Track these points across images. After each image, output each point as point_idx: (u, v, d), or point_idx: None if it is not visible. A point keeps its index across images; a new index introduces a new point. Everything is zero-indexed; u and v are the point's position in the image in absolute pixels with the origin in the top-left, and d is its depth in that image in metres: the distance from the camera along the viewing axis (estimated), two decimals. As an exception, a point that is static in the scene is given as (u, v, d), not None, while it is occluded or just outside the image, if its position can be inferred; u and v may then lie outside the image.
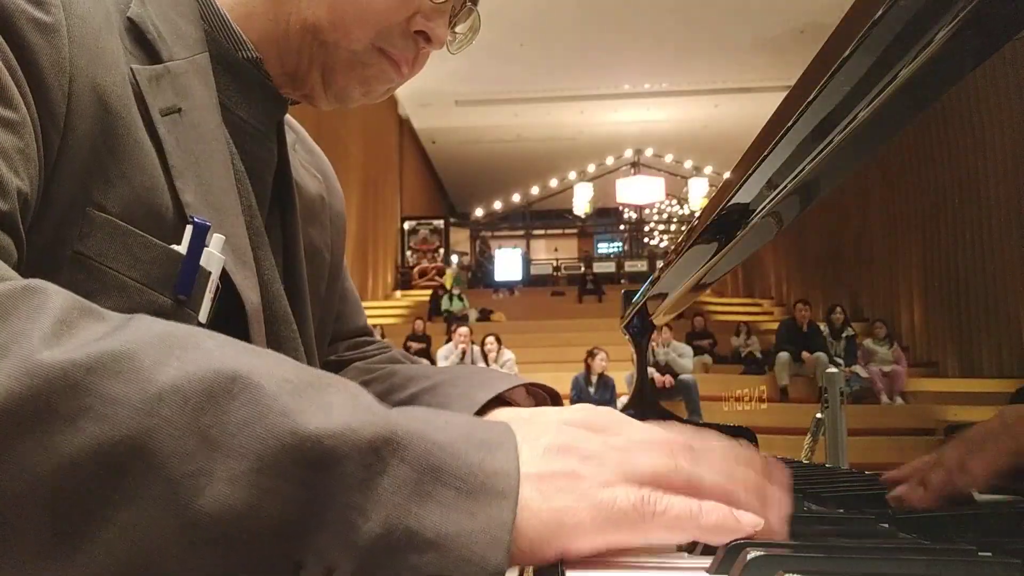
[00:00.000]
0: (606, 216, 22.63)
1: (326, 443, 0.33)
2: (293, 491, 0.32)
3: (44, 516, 0.31)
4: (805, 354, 1.04)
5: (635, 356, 1.90)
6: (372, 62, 0.69)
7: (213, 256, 0.58)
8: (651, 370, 1.87)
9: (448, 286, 14.42)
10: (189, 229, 0.57)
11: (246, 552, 0.32)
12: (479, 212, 20.79)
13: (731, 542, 0.39)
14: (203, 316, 0.57)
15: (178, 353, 0.34)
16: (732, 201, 0.99)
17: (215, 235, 0.58)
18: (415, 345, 10.28)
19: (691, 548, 0.44)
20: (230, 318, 0.60)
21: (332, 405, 0.34)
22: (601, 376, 7.57)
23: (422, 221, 18.04)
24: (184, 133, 0.59)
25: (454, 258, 18.60)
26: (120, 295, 0.53)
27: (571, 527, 0.37)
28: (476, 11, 0.74)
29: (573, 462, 0.39)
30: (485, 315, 14.05)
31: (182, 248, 0.56)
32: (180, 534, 0.31)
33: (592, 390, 7.48)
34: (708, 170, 17.92)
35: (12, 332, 0.33)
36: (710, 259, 1.22)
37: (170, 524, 0.31)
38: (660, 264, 1.54)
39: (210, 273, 0.58)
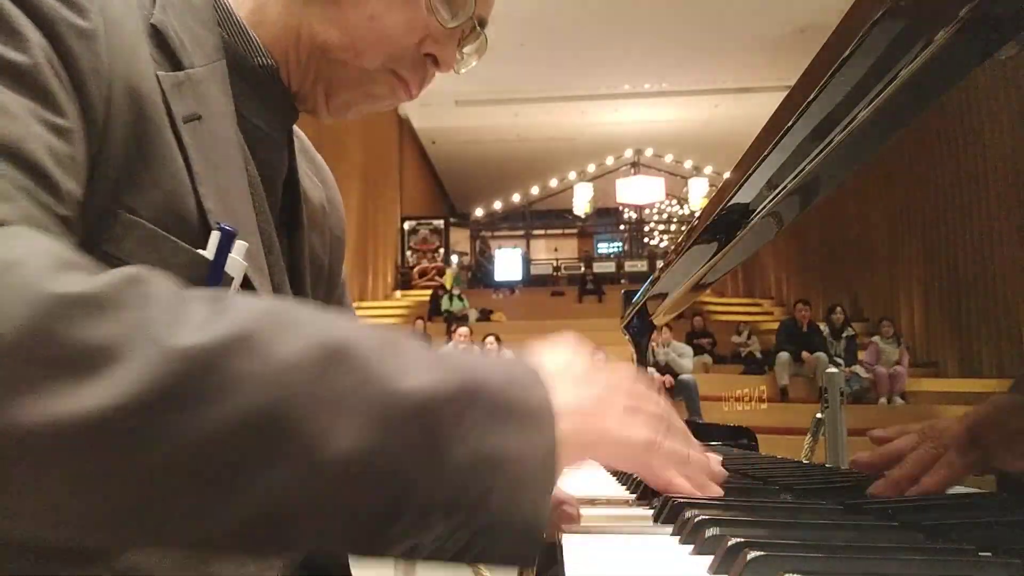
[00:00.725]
0: (606, 216, 22.61)
1: (419, 398, 0.40)
2: (399, 439, 0.39)
3: (199, 482, 0.36)
4: (805, 354, 1.04)
5: (635, 356, 1.90)
6: (380, 81, 0.70)
7: (236, 262, 0.59)
8: (651, 370, 1.87)
9: (448, 286, 14.42)
10: (216, 235, 0.58)
11: (364, 491, 0.39)
12: (479, 212, 20.78)
13: (731, 543, 0.39)
14: None
15: (285, 329, 0.40)
16: (732, 201, 0.99)
17: (238, 242, 0.60)
18: (415, 345, 10.25)
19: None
20: None
21: (415, 365, 0.41)
22: (601, 376, 7.56)
23: (422, 221, 18.03)
24: (204, 140, 0.60)
25: (454, 258, 18.59)
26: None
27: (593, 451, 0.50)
28: (484, 35, 0.74)
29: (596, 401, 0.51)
30: (485, 315, 14.05)
31: (208, 253, 0.58)
32: (310, 484, 0.37)
33: (592, 390, 7.46)
34: (708, 170, 17.92)
35: (136, 322, 0.37)
36: (710, 259, 1.22)
37: (302, 477, 0.37)
38: (660, 264, 1.54)
39: (232, 279, 0.59)
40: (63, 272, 0.38)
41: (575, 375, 0.52)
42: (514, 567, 0.41)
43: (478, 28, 0.73)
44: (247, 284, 0.61)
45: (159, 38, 0.60)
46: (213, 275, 0.58)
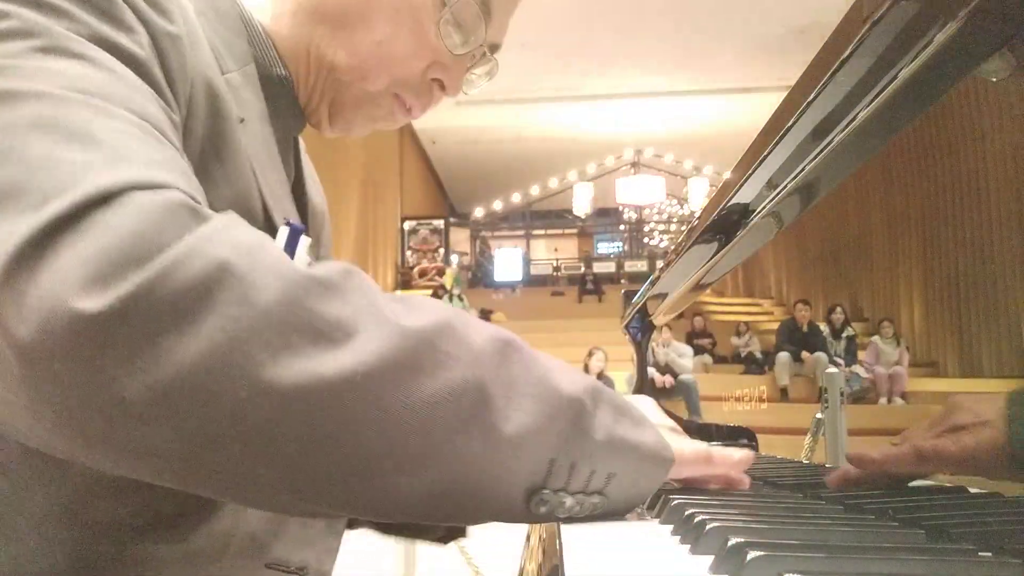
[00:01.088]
0: (606, 216, 22.61)
1: (568, 391, 0.48)
2: (557, 421, 0.46)
3: (414, 439, 0.41)
4: (805, 354, 1.04)
5: (635, 356, 1.90)
6: (383, 104, 0.71)
7: (303, 258, 0.61)
8: (651, 370, 1.86)
9: (448, 286, 14.42)
10: (284, 230, 0.60)
11: (528, 461, 0.46)
12: (479, 212, 20.78)
13: (731, 542, 0.39)
14: None
15: (468, 323, 0.46)
16: (732, 201, 0.99)
17: (303, 237, 0.61)
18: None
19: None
20: None
21: (556, 367, 0.49)
22: (600, 376, 7.57)
23: (422, 221, 18.03)
24: (252, 141, 0.61)
25: (454, 258, 18.59)
26: None
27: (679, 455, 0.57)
28: (495, 59, 0.74)
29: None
30: (485, 315, 14.05)
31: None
32: (492, 449, 0.44)
33: (592, 390, 7.47)
34: (708, 170, 17.91)
35: (365, 303, 0.42)
36: (710, 259, 1.22)
37: (487, 442, 0.43)
38: (660, 264, 1.54)
39: None
40: (289, 260, 0.42)
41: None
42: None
43: (488, 54, 0.72)
44: None
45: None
46: None
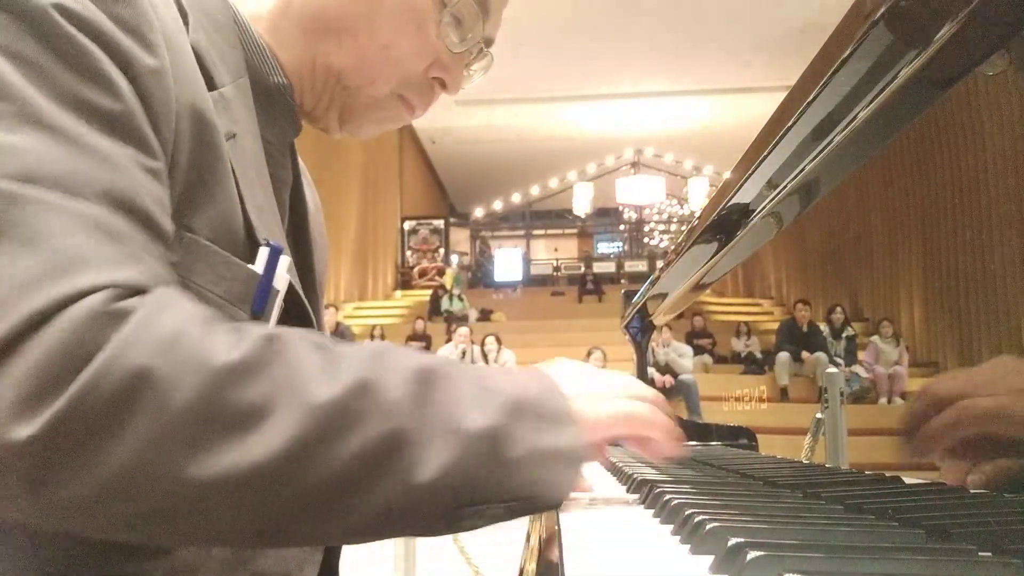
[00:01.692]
0: (606, 216, 22.62)
1: (483, 424, 0.50)
2: (472, 456, 0.49)
3: (331, 498, 0.46)
4: (805, 354, 1.04)
5: (635, 356, 1.90)
6: (389, 106, 0.73)
7: (282, 276, 0.63)
8: (651, 370, 1.87)
9: (448, 286, 14.41)
10: (264, 251, 0.61)
11: (445, 498, 0.49)
12: (479, 212, 20.78)
13: (731, 542, 0.39)
14: None
15: (387, 371, 0.49)
16: (732, 201, 0.99)
17: (283, 257, 0.62)
18: (415, 345, 10.28)
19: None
20: None
21: (475, 398, 0.51)
22: (601, 376, 7.55)
23: (422, 221, 18.03)
24: (240, 158, 0.61)
25: (454, 258, 18.59)
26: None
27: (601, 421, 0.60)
28: (491, 54, 0.76)
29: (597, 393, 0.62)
30: (485, 315, 14.05)
31: (258, 268, 0.61)
32: (408, 494, 0.47)
33: (592, 390, 7.46)
34: (708, 170, 17.90)
35: (280, 380, 0.46)
36: (710, 259, 1.22)
37: (403, 489, 0.47)
38: (660, 264, 1.54)
39: (278, 292, 0.63)
40: (215, 339, 0.45)
41: (580, 380, 0.62)
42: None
43: (485, 49, 0.74)
44: (293, 298, 0.65)
45: (197, 58, 0.60)
46: (262, 289, 0.61)
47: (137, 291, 0.46)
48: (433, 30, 0.69)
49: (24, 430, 0.40)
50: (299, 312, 0.67)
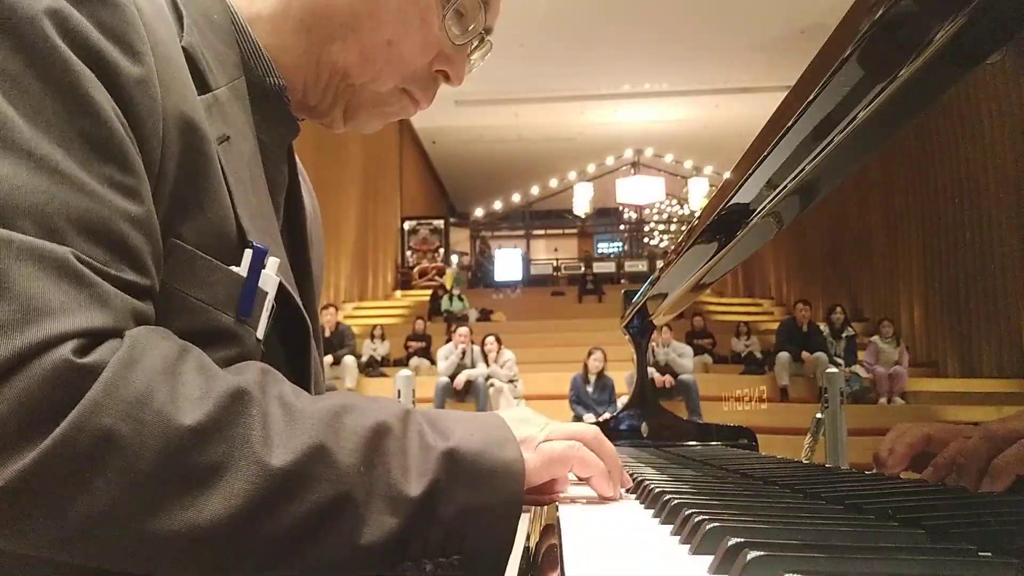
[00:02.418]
0: (606, 216, 22.60)
1: (421, 487, 0.54)
2: (409, 520, 0.53)
3: (282, 551, 0.50)
4: (805, 354, 1.04)
5: (635, 356, 1.90)
6: (394, 100, 0.74)
7: (270, 278, 0.63)
8: (651, 370, 1.87)
9: (448, 286, 14.40)
10: (248, 253, 0.61)
11: (383, 556, 0.53)
12: (479, 212, 20.77)
13: (731, 542, 0.39)
14: (260, 333, 0.63)
15: (341, 434, 0.53)
16: (732, 201, 0.99)
17: (270, 258, 0.63)
18: (415, 345, 10.28)
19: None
20: (285, 334, 0.67)
21: (416, 461, 0.55)
22: (600, 375, 7.56)
23: (422, 221, 18.02)
24: (233, 160, 0.62)
25: (454, 258, 18.58)
26: (187, 315, 0.57)
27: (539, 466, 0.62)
28: (490, 42, 0.76)
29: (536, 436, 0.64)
30: (485, 315, 14.04)
31: (241, 271, 0.61)
32: (350, 552, 0.52)
33: (590, 389, 7.48)
34: (708, 170, 17.90)
35: (238, 441, 0.49)
36: (710, 259, 1.22)
37: (346, 546, 0.52)
38: (660, 264, 1.54)
39: (267, 293, 0.63)
40: (181, 395, 0.48)
41: (528, 422, 0.64)
42: None
43: (485, 38, 0.75)
44: (285, 299, 0.66)
45: (191, 62, 0.61)
46: (247, 291, 0.61)
47: (105, 335, 0.47)
48: (436, 24, 0.69)
49: None
50: (293, 313, 0.68)
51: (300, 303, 0.68)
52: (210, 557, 0.49)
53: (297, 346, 0.70)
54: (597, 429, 0.68)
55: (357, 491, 0.52)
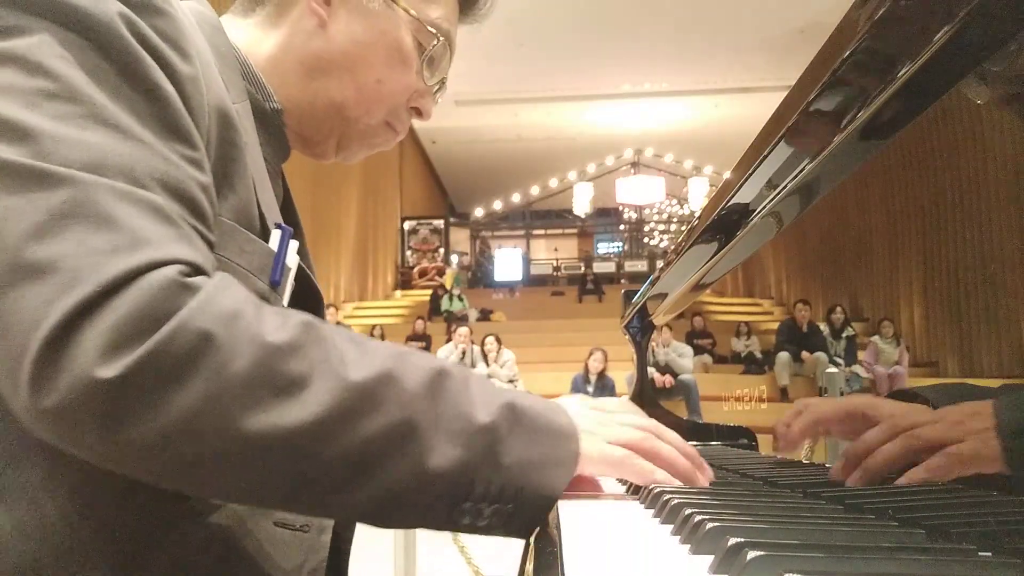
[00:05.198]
0: (606, 216, 22.61)
1: (485, 423, 0.57)
2: (473, 452, 0.56)
3: (352, 467, 0.53)
4: (805, 354, 1.04)
5: (635, 356, 1.90)
6: (380, 132, 0.86)
7: (292, 255, 0.73)
8: (651, 370, 1.87)
9: (448, 286, 14.41)
10: (277, 232, 0.71)
11: (447, 488, 0.55)
12: (479, 212, 20.77)
13: (731, 542, 0.40)
14: (285, 301, 0.73)
15: (408, 367, 0.56)
16: (732, 201, 0.99)
17: (292, 240, 0.73)
18: (415, 345, 10.28)
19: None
20: (299, 308, 0.73)
21: (483, 398, 0.58)
22: (600, 375, 7.57)
23: (422, 221, 18.03)
24: (252, 160, 0.70)
25: (454, 258, 18.59)
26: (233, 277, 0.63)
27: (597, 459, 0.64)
28: (446, 85, 0.90)
29: (598, 426, 0.66)
30: (485, 315, 14.05)
31: (272, 246, 0.70)
32: (415, 479, 0.54)
33: (590, 389, 7.48)
34: (708, 170, 17.90)
35: (318, 359, 0.53)
36: (710, 259, 1.22)
37: (411, 472, 0.54)
38: (660, 264, 1.54)
39: (290, 269, 0.73)
40: (265, 320, 0.53)
41: (590, 412, 0.68)
42: (526, 533, 0.58)
43: (444, 81, 0.88)
44: (301, 276, 0.75)
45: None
46: (278, 262, 0.70)
47: (197, 270, 0.53)
48: (414, 67, 0.82)
49: (107, 372, 0.47)
50: (310, 291, 0.78)
51: (314, 279, 0.77)
52: (287, 466, 0.51)
53: None
54: (655, 430, 0.68)
55: (425, 418, 0.55)
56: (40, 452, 0.57)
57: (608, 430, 0.65)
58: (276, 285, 0.70)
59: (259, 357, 0.51)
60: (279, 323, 0.53)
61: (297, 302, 0.76)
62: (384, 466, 0.53)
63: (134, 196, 0.52)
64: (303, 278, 0.76)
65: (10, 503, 0.57)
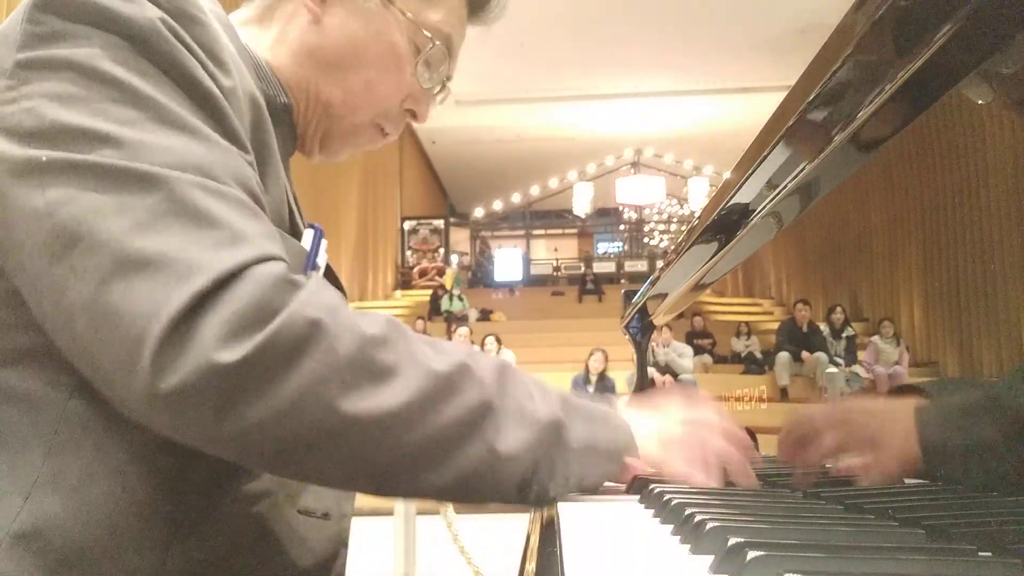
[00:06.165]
0: (606, 216, 22.60)
1: (549, 413, 0.62)
2: (541, 439, 0.61)
3: (437, 447, 0.56)
4: (805, 354, 1.04)
5: (635, 356, 1.90)
6: (366, 133, 0.85)
7: (323, 255, 0.75)
8: (651, 370, 1.86)
9: (448, 286, 14.41)
10: (310, 232, 0.73)
11: (518, 469, 0.59)
12: (479, 212, 20.76)
13: (731, 542, 0.40)
14: None
15: (479, 360, 0.61)
16: (732, 201, 0.99)
17: (323, 240, 0.74)
18: (415, 345, 10.26)
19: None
20: None
21: (542, 395, 0.63)
22: (601, 376, 7.57)
23: (422, 221, 18.02)
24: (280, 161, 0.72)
25: (454, 258, 18.58)
26: None
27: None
28: (449, 87, 0.88)
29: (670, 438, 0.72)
30: (485, 315, 14.05)
31: (305, 245, 0.72)
32: (489, 461, 0.58)
33: (591, 389, 7.48)
34: (708, 170, 17.89)
35: (406, 351, 0.57)
36: (710, 259, 1.22)
37: (486, 454, 0.58)
38: (660, 264, 1.54)
39: (319, 268, 0.74)
40: (357, 316, 0.56)
41: (654, 417, 0.74)
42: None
43: (446, 83, 0.87)
44: (328, 273, 0.77)
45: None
46: (310, 260, 0.72)
47: (284, 263, 0.56)
48: (409, 70, 0.81)
49: (228, 356, 0.50)
50: (336, 288, 0.78)
51: (339, 276, 0.80)
52: (380, 449, 0.55)
53: None
54: (713, 430, 0.73)
55: (496, 403, 0.59)
56: (82, 442, 0.59)
57: (663, 426, 0.72)
58: None
59: (360, 344, 0.54)
60: (370, 319, 0.57)
61: None
62: (463, 447, 0.57)
63: (221, 192, 0.55)
64: (329, 276, 0.78)
65: (51, 492, 0.58)
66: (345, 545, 0.82)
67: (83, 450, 0.59)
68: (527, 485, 0.60)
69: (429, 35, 0.81)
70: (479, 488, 0.59)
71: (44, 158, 0.53)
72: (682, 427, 0.72)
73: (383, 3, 0.79)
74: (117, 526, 0.59)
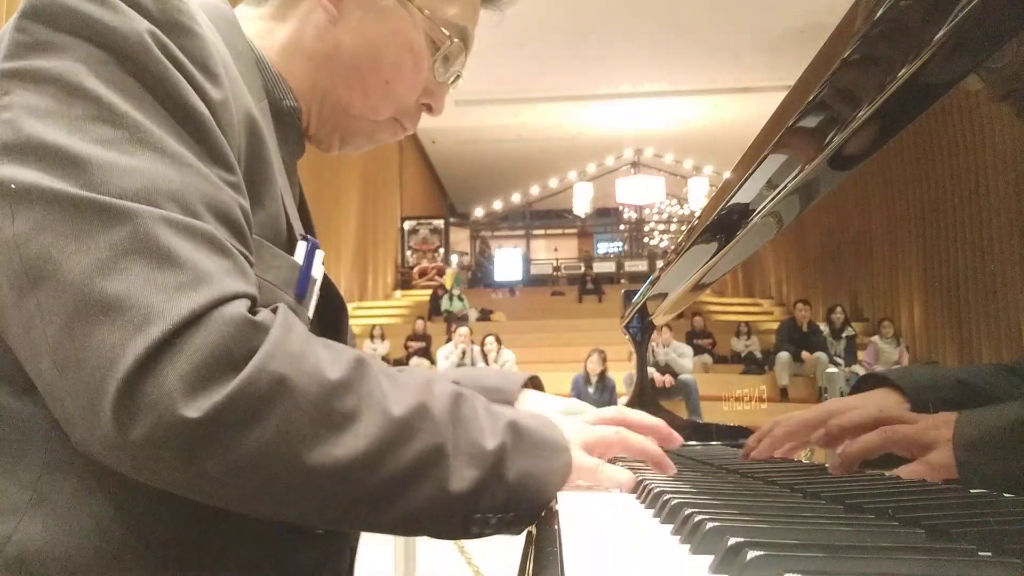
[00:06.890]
0: (606, 216, 22.60)
1: (493, 447, 0.62)
2: (486, 475, 0.61)
3: (391, 488, 0.58)
4: (805, 354, 1.04)
5: (635, 356, 1.90)
6: (386, 128, 0.85)
7: (318, 267, 0.73)
8: (651, 370, 1.87)
9: (448, 286, 14.40)
10: (303, 245, 0.71)
11: (463, 504, 0.60)
12: (479, 212, 20.76)
13: (731, 542, 0.40)
14: (310, 313, 0.73)
15: (434, 395, 0.61)
16: (732, 201, 0.99)
17: (318, 251, 0.73)
18: (415, 345, 10.28)
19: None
20: (322, 316, 0.77)
21: (489, 426, 0.63)
22: (601, 376, 7.57)
23: (422, 221, 18.02)
24: (277, 171, 0.71)
25: (454, 258, 18.58)
26: (260, 293, 0.62)
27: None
28: (461, 76, 0.88)
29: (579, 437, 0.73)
30: (485, 315, 14.04)
31: (298, 259, 0.71)
32: (437, 496, 0.59)
33: (591, 390, 7.48)
34: (708, 170, 17.88)
35: (367, 394, 0.57)
36: (710, 259, 1.22)
37: (434, 491, 0.59)
38: (660, 264, 1.54)
39: (315, 280, 0.73)
40: (322, 357, 0.56)
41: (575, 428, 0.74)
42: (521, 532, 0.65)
43: (460, 75, 0.87)
44: (326, 285, 0.76)
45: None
46: (304, 276, 0.71)
47: (254, 302, 0.56)
48: (426, 66, 0.81)
49: (190, 412, 0.50)
50: (334, 299, 0.78)
51: (337, 287, 0.79)
52: (339, 494, 0.56)
53: (333, 329, 0.80)
54: (620, 415, 0.79)
55: (448, 445, 0.60)
56: (75, 462, 0.58)
57: (582, 434, 0.73)
58: (302, 298, 0.71)
59: (322, 396, 0.55)
60: (332, 358, 0.57)
61: (321, 310, 0.76)
62: (416, 487, 0.58)
63: (188, 227, 0.54)
64: (326, 286, 0.77)
65: (46, 510, 0.57)
66: (354, 551, 0.81)
67: (73, 473, 0.58)
68: (471, 520, 0.61)
69: (446, 32, 0.80)
70: (426, 525, 0.61)
71: (13, 185, 0.52)
72: (600, 432, 0.75)
73: (399, 1, 0.78)
74: (108, 548, 0.58)
